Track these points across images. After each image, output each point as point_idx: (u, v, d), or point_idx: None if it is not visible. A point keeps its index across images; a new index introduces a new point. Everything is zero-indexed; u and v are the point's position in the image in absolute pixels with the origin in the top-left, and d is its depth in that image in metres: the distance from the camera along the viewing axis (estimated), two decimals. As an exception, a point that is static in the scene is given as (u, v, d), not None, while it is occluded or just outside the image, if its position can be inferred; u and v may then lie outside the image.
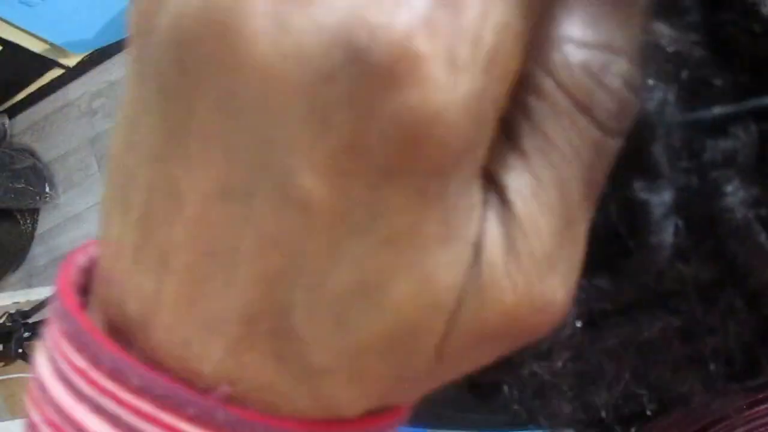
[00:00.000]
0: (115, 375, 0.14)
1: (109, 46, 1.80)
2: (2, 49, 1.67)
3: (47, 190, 1.81)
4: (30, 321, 1.50)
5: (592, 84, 0.12)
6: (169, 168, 0.13)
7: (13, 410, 1.73)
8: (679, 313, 0.21)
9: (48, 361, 0.16)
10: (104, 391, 0.15)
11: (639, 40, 0.12)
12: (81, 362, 0.15)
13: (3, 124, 1.87)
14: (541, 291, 0.13)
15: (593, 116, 0.13)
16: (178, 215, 0.13)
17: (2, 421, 1.65)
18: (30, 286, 1.80)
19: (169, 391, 0.14)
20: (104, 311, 0.16)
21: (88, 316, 0.16)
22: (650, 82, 0.16)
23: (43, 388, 0.16)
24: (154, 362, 0.15)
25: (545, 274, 0.13)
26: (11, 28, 1.61)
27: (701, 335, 0.22)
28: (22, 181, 1.75)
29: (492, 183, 0.13)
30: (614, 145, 0.13)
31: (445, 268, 0.13)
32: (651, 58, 0.16)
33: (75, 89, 1.89)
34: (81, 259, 0.17)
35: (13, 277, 1.85)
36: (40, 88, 1.89)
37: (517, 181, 0.13)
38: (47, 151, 1.89)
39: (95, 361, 0.15)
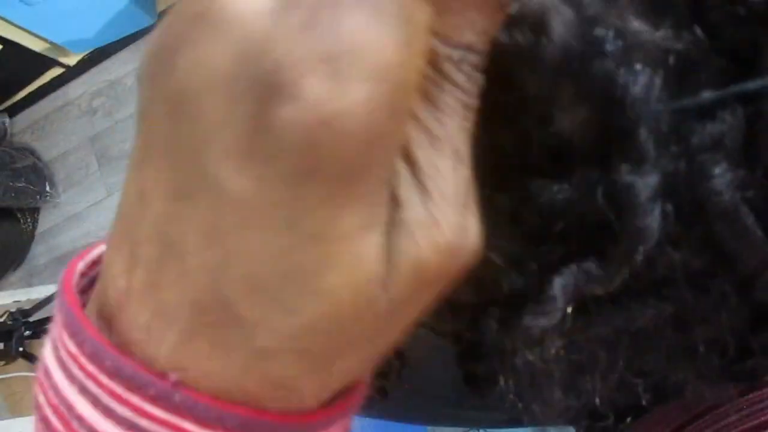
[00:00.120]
0: (94, 358, 0.16)
1: (109, 45, 1.80)
2: (2, 48, 1.68)
3: (47, 189, 1.81)
4: (30, 320, 1.49)
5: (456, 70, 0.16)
6: (141, 174, 0.16)
7: (14, 409, 1.73)
8: (671, 300, 0.21)
9: (52, 350, 0.17)
10: (88, 374, 0.16)
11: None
12: (72, 347, 0.16)
13: (3, 123, 1.87)
14: (458, 220, 0.16)
15: (460, 86, 0.16)
16: (146, 213, 0.15)
17: (3, 419, 1.65)
18: (30, 284, 1.81)
19: (133, 373, 0.15)
20: (96, 301, 0.17)
21: (84, 307, 0.17)
22: (638, 66, 0.16)
23: (47, 373, 0.17)
24: (124, 346, 0.16)
25: (457, 205, 0.16)
26: (11, 27, 1.61)
27: (694, 323, 0.22)
28: (23, 180, 1.75)
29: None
30: (475, 101, 0.16)
31: (368, 248, 0.15)
32: (638, 43, 0.16)
33: (75, 88, 1.89)
34: (86, 257, 0.20)
35: (14, 276, 1.85)
36: (40, 87, 1.90)
37: (416, 137, 0.15)
38: (47, 150, 1.89)
39: (81, 346, 0.16)
